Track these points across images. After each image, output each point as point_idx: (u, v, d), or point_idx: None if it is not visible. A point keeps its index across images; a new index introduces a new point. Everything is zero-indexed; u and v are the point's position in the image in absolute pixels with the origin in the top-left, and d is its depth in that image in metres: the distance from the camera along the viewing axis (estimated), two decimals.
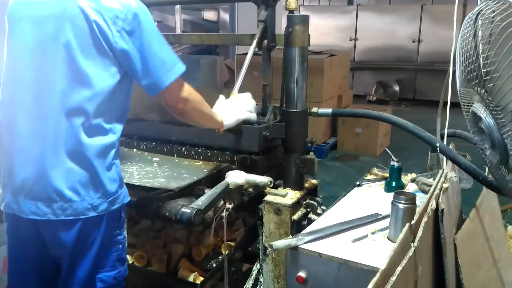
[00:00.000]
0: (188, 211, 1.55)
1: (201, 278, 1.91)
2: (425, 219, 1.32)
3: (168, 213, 1.57)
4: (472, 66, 1.20)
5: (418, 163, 3.08)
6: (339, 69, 5.80)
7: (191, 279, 1.92)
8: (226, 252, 1.94)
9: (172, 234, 2.24)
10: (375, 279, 0.98)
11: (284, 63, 1.99)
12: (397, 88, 8.82)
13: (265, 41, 2.07)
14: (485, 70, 1.16)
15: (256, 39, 2.03)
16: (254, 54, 2.02)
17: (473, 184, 2.24)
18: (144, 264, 2.03)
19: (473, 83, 1.19)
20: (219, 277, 1.97)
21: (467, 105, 1.29)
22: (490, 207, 2.14)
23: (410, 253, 1.13)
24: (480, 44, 1.19)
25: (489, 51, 1.15)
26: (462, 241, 1.63)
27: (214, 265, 1.96)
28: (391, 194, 1.66)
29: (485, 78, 1.17)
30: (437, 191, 1.53)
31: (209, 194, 1.71)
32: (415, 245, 1.18)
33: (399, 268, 1.04)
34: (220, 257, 1.99)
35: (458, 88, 1.32)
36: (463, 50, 1.25)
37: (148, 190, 1.77)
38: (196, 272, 1.95)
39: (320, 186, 2.29)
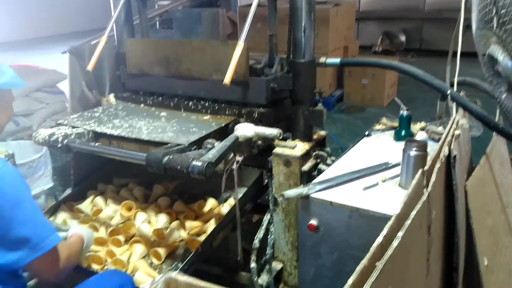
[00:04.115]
0: (199, 164, 1.56)
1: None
2: (438, 165, 1.32)
3: (179, 167, 1.58)
4: (490, 7, 1.16)
5: (424, 113, 3.05)
6: (344, 19, 5.64)
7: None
8: (238, 199, 1.94)
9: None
10: (390, 222, 0.99)
11: (290, 11, 1.93)
12: (403, 38, 8.61)
13: None
14: (504, 10, 1.12)
15: None
16: (258, 6, 1.95)
17: (483, 132, 2.23)
18: None
19: (490, 25, 1.14)
20: (231, 228, 2.00)
21: (483, 48, 1.25)
22: (500, 154, 2.14)
23: (424, 197, 1.13)
24: None
25: None
26: (473, 187, 1.63)
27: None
28: (401, 143, 1.65)
29: (504, 20, 1.12)
30: (449, 137, 1.51)
31: (219, 147, 1.71)
32: (429, 189, 1.19)
33: (414, 212, 1.05)
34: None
35: (473, 31, 1.28)
36: None
37: (158, 145, 1.77)
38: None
39: (328, 138, 2.29)
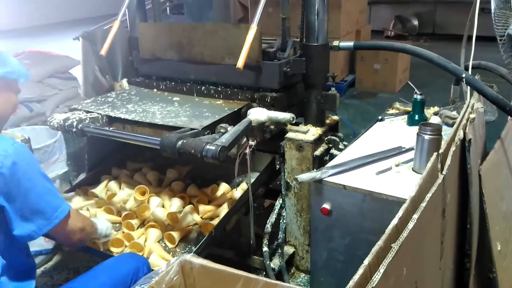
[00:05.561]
0: (213, 148, 1.57)
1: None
2: (453, 148, 1.31)
3: (193, 151, 1.59)
4: None
5: (437, 99, 3.02)
6: (356, 3, 5.55)
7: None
8: (250, 184, 1.95)
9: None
10: (405, 205, 0.99)
11: None
12: (415, 22, 8.47)
13: None
14: None
15: None
16: None
17: (497, 117, 2.21)
18: None
19: (510, 3, 1.12)
20: (243, 212, 2.02)
21: (502, 28, 1.23)
22: None
23: (440, 180, 1.13)
24: None
25: None
26: (487, 172, 1.62)
27: None
28: (414, 128, 1.65)
29: None
30: (464, 121, 1.50)
31: (232, 131, 1.72)
32: (444, 173, 1.18)
33: (429, 195, 1.05)
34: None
35: (492, 11, 1.26)
36: None
37: (172, 129, 1.78)
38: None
39: (341, 123, 2.28)
